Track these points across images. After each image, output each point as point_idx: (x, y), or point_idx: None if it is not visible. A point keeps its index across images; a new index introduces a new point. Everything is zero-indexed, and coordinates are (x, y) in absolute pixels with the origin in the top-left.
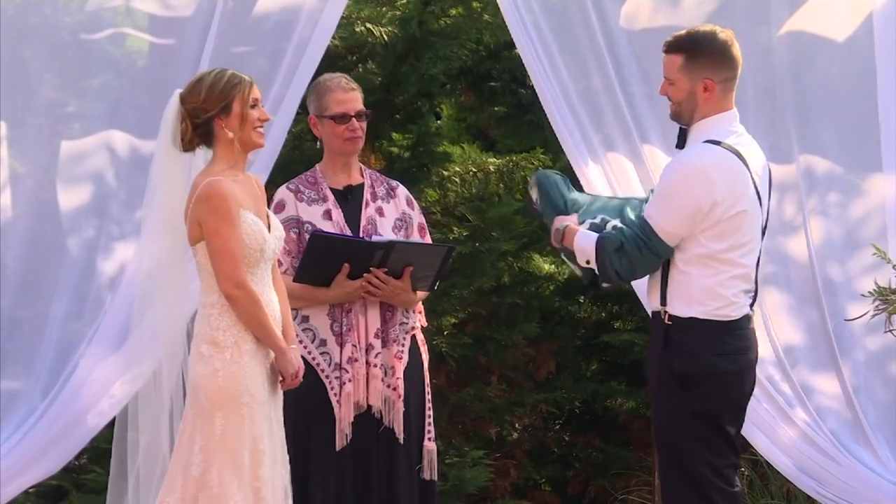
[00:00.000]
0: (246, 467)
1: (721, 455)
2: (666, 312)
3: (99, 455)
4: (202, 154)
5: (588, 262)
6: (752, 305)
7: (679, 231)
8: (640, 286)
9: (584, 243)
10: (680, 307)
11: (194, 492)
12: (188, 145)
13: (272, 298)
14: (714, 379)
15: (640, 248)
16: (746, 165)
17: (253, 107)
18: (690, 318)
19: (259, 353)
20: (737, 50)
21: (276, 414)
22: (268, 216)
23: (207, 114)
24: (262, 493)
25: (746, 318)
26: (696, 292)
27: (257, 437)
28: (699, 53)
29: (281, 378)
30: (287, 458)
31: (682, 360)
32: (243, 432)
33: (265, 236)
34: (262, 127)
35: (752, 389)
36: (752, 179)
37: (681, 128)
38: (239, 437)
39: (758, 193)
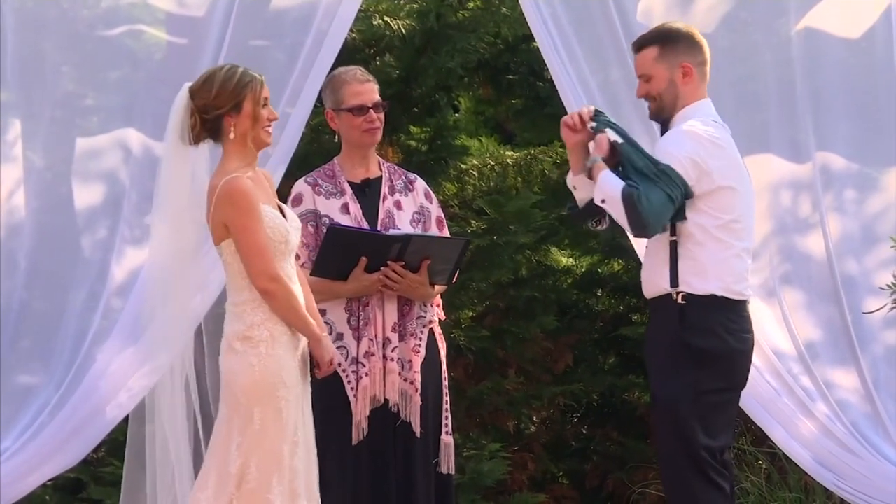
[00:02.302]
0: (286, 461)
1: (715, 438)
2: (679, 293)
3: (117, 448)
4: (206, 152)
5: (603, 202)
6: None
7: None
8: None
9: (609, 183)
10: (697, 283)
11: (231, 488)
12: (195, 139)
13: (297, 290)
14: (727, 357)
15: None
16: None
17: (263, 106)
18: (707, 296)
19: (293, 343)
20: (700, 36)
21: (306, 405)
22: (281, 209)
23: (218, 111)
24: (295, 485)
25: (747, 302)
26: (711, 267)
27: (293, 429)
28: (672, 40)
29: (317, 365)
30: (315, 449)
31: (699, 336)
32: (281, 425)
33: (287, 228)
34: (270, 126)
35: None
36: (741, 159)
37: (661, 127)
38: (278, 431)
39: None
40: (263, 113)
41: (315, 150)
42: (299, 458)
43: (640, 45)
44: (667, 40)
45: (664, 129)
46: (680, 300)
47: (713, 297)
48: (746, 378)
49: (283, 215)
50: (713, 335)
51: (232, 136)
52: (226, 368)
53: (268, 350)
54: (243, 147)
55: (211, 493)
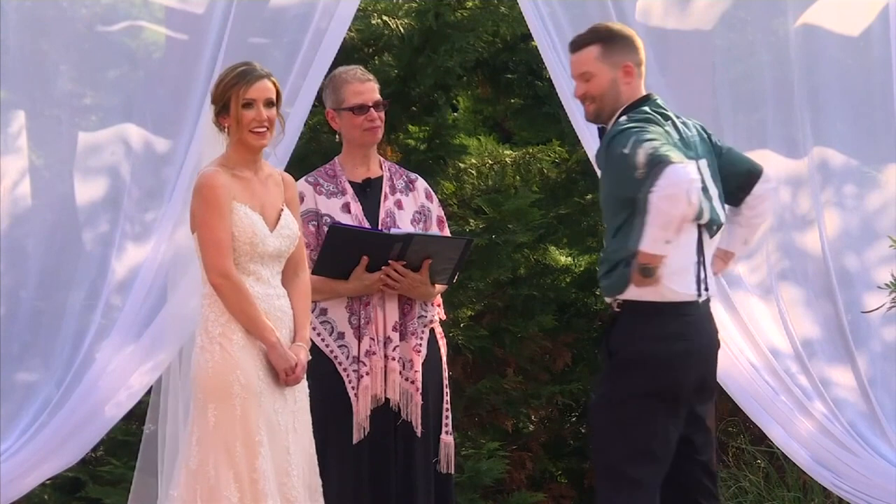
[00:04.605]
0: (240, 458)
1: (641, 448)
2: (615, 300)
3: (115, 447)
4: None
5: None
6: (703, 293)
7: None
8: None
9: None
10: (634, 291)
11: (192, 483)
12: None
13: (275, 295)
14: (648, 363)
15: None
16: None
17: (247, 106)
18: (641, 302)
19: (252, 344)
20: (637, 38)
21: (284, 406)
22: (279, 215)
23: (215, 112)
24: (261, 486)
25: (694, 305)
26: None
27: (251, 429)
28: (613, 39)
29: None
30: (314, 450)
31: (620, 343)
32: (235, 423)
33: (256, 231)
34: (260, 128)
35: (699, 380)
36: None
37: (600, 128)
38: (231, 429)
39: None
40: (248, 114)
41: (313, 150)
42: (264, 459)
43: (579, 44)
44: (608, 39)
45: (601, 131)
46: (615, 308)
47: (648, 302)
48: (679, 387)
49: (277, 222)
50: (636, 341)
51: (225, 135)
52: (192, 362)
53: (223, 347)
54: (238, 147)
55: (183, 491)
